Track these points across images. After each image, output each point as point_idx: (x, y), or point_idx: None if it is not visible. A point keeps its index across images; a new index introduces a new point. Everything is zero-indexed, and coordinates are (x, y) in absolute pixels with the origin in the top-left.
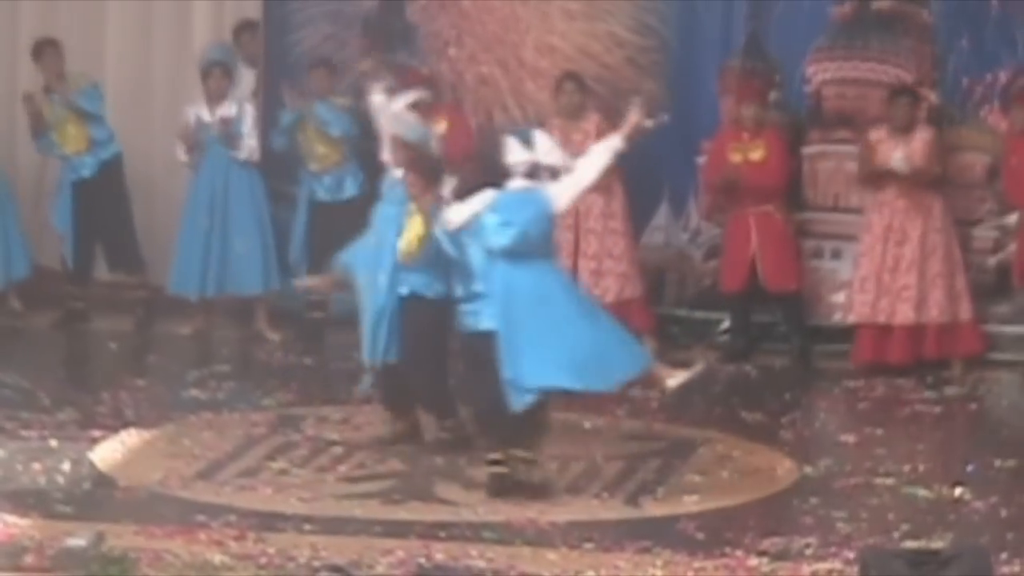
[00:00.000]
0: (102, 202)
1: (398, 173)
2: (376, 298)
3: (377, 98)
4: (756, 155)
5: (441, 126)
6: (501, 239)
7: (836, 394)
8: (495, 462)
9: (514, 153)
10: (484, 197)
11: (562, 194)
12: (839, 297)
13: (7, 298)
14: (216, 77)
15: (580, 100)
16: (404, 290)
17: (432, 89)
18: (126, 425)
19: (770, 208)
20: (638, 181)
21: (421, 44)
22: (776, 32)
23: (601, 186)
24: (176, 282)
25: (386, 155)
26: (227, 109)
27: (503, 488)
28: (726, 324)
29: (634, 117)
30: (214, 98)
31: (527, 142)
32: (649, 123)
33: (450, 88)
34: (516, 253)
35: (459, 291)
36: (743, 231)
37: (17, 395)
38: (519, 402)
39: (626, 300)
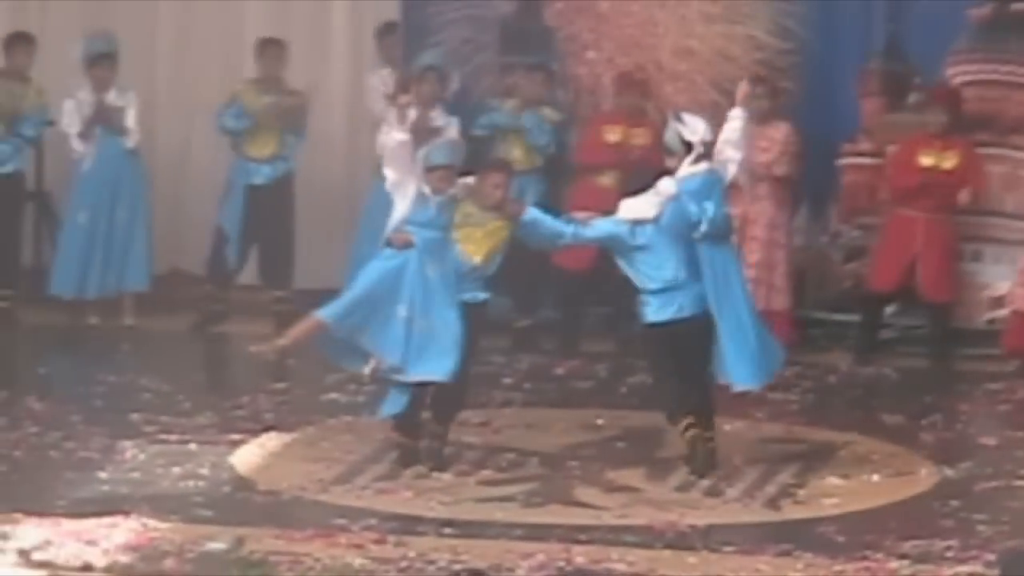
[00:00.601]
0: (268, 213)
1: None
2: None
3: (400, 136)
4: (949, 163)
5: (643, 138)
6: (712, 223)
7: (976, 396)
8: (708, 439)
9: (693, 134)
10: (666, 185)
11: (730, 169)
12: (982, 298)
13: (121, 307)
14: (431, 81)
15: (770, 106)
16: (482, 295)
17: (642, 97)
18: (266, 429)
19: (943, 216)
20: None
21: (559, 47)
22: (915, 34)
23: (769, 195)
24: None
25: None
26: (437, 117)
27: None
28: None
29: (743, 89)
30: (425, 102)
31: (689, 126)
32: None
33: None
34: (715, 235)
35: (650, 283)
36: (908, 233)
37: (157, 399)
38: (742, 384)
39: (775, 311)
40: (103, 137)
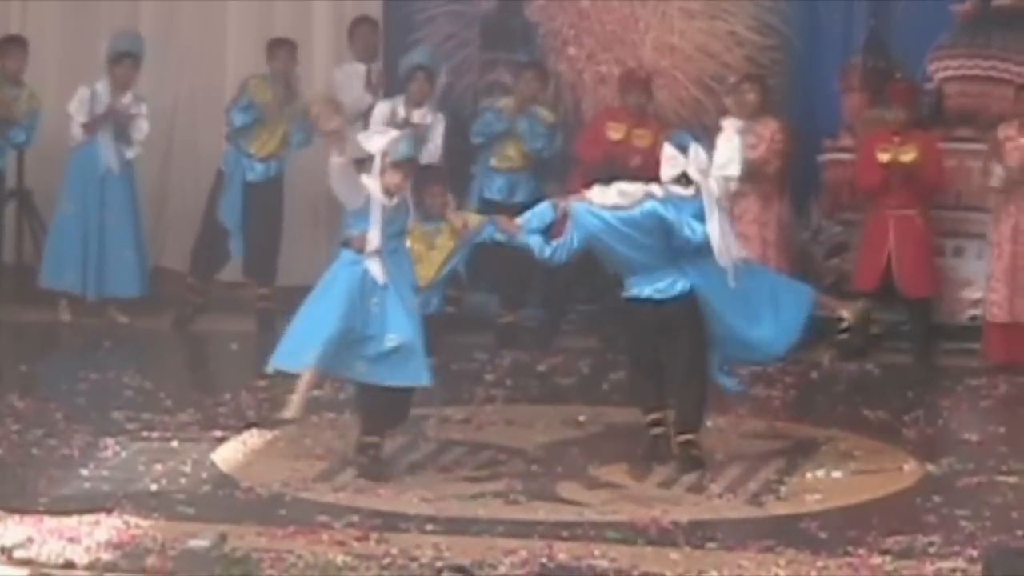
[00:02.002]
0: (260, 209)
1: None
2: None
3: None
4: (906, 157)
5: (646, 139)
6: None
7: (959, 392)
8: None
9: (698, 170)
10: (643, 189)
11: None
12: (964, 294)
13: (106, 305)
14: (419, 81)
15: (757, 101)
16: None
17: (646, 96)
18: (248, 426)
19: (912, 212)
20: None
21: (540, 43)
22: (897, 30)
23: (759, 192)
24: None
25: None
26: (423, 115)
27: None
28: (845, 323)
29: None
30: (414, 101)
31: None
32: None
33: (570, 88)
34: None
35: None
36: (882, 231)
37: (139, 396)
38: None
39: None
40: (106, 138)
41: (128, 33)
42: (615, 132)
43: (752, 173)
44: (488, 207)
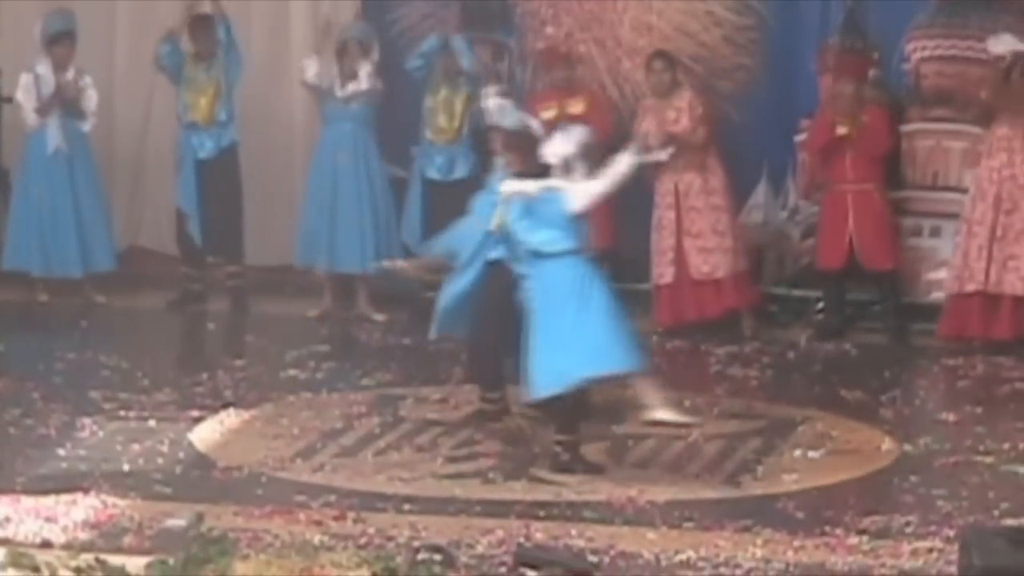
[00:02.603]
0: (216, 186)
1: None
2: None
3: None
4: (843, 129)
5: (578, 106)
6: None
7: (935, 372)
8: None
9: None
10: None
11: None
12: (941, 274)
13: (83, 284)
14: (351, 54)
15: (670, 78)
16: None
17: (570, 69)
18: (225, 406)
19: (869, 187)
20: (737, 159)
21: (518, 22)
22: (875, 10)
23: (696, 164)
24: (302, 255)
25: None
26: (361, 83)
27: None
28: (822, 304)
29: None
30: (347, 73)
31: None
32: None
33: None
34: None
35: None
36: (840, 208)
37: (116, 376)
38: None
39: (737, 274)
40: (58, 116)
41: (60, 12)
42: (547, 112)
43: (683, 145)
44: (429, 187)
